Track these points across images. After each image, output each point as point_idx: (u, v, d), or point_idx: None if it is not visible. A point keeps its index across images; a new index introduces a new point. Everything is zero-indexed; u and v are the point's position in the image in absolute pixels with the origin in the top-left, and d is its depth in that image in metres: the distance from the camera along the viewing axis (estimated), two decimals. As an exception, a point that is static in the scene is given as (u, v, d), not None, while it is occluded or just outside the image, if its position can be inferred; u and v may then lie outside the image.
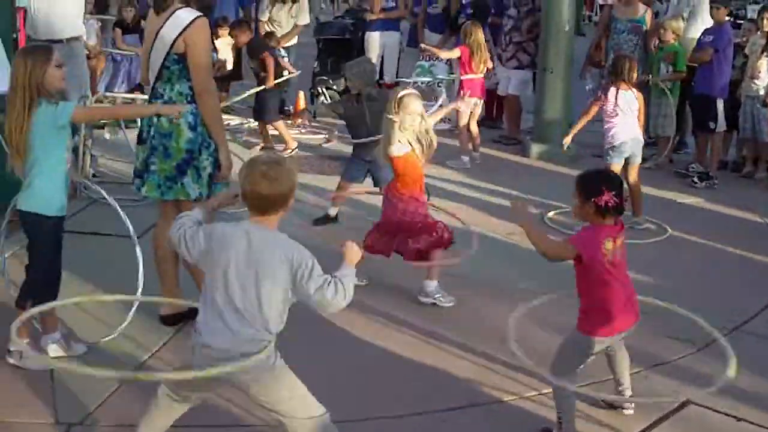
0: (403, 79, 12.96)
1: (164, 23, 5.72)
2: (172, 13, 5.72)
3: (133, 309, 5.89)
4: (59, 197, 5.39)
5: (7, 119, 5.27)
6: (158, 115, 5.61)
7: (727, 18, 11.30)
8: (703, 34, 11.11)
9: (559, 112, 11.89)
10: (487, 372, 5.70)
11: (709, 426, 5.04)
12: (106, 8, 14.23)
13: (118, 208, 5.91)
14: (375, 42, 13.76)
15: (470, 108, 11.24)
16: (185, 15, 5.72)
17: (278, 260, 3.94)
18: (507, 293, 6.79)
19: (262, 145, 11.51)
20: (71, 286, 5.91)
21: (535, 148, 11.93)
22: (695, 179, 10.71)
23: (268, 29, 13.01)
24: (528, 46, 12.53)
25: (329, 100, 13.94)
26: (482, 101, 11.72)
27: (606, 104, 8.57)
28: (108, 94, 10.07)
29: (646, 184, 9.27)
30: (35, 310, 5.01)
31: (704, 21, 11.52)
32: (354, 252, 4.16)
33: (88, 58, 13.35)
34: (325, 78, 13.69)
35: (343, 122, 8.84)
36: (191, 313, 5.21)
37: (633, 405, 5.22)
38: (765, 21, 10.90)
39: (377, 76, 11.24)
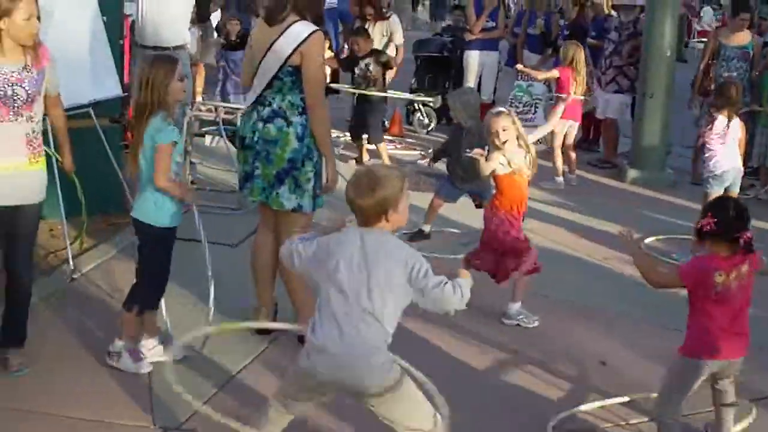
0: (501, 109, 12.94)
1: (280, 36, 5.73)
2: (289, 26, 5.74)
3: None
4: (168, 207, 5.42)
5: (135, 125, 5.43)
6: (181, 200, 5.54)
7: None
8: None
9: (658, 137, 11.75)
10: (582, 398, 5.61)
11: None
12: (207, 18, 14.44)
13: (196, 213, 6.02)
14: (474, 61, 13.74)
15: (565, 129, 11.18)
16: (302, 29, 5.74)
17: (392, 262, 3.95)
18: (602, 317, 6.73)
19: (356, 158, 11.54)
20: (170, 293, 5.98)
21: (632, 173, 11.80)
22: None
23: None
24: (628, 70, 12.40)
25: (425, 117, 14.00)
26: (578, 123, 11.62)
27: (712, 132, 8.42)
28: (209, 103, 10.20)
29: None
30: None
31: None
32: (466, 274, 4.15)
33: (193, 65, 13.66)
34: (422, 95, 13.73)
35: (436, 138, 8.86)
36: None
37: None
38: None
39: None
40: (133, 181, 5.59)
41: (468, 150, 7.67)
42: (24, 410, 4.91)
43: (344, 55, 13.41)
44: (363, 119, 11.45)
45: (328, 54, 13.64)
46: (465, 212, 8.63)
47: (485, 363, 6.00)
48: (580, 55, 11.20)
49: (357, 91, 11.36)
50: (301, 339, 5.82)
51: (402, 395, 4.09)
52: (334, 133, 13.03)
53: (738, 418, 5.10)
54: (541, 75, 12.08)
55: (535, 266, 6.73)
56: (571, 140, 11.41)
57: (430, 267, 3.99)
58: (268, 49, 5.75)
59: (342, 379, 4.02)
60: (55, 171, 6.67)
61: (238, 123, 8.96)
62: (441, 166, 9.02)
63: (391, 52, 12.17)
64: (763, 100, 11.12)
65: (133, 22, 9.46)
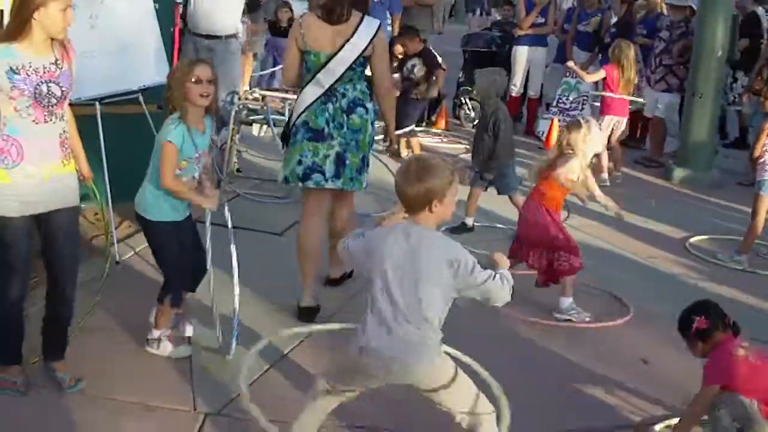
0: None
1: (354, 32, 6.13)
2: (359, 22, 6.16)
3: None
4: (168, 205, 5.39)
5: None
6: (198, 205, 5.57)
7: None
8: None
9: (706, 137, 11.66)
10: (624, 396, 5.60)
11: None
12: (258, 6, 14.48)
13: (226, 206, 5.93)
14: (522, 56, 13.70)
15: (611, 125, 11.13)
16: (369, 22, 6.22)
17: (436, 258, 3.94)
18: (645, 316, 6.70)
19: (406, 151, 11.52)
20: (216, 277, 6.02)
21: (678, 172, 11.71)
22: None
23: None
24: (678, 69, 12.30)
25: (471, 111, 13.98)
26: (625, 120, 11.53)
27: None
28: (258, 91, 10.23)
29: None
30: None
31: None
32: (503, 260, 4.16)
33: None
34: (469, 89, 13.72)
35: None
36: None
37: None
38: None
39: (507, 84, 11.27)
40: None
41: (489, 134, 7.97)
42: (68, 392, 4.96)
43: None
44: (400, 117, 11.42)
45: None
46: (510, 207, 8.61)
47: (528, 359, 6.00)
48: (630, 53, 11.11)
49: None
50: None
51: (455, 389, 4.10)
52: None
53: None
54: (589, 77, 11.96)
55: (580, 265, 6.74)
56: (616, 137, 11.34)
57: (476, 261, 3.98)
58: (342, 45, 6.12)
59: (393, 377, 4.05)
60: (103, 155, 6.74)
61: (287, 114, 9.04)
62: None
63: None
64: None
65: (184, 8, 9.50)
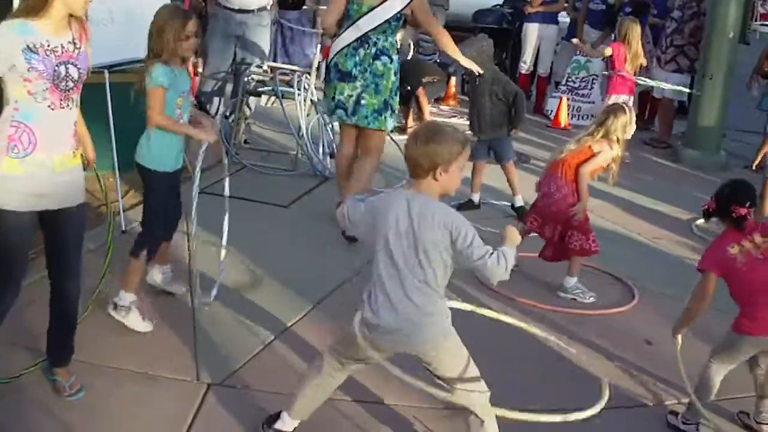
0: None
1: None
2: None
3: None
4: (167, 154, 5.52)
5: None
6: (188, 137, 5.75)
7: None
8: None
9: (715, 119, 11.61)
10: (627, 375, 5.59)
11: None
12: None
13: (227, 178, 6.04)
14: (533, 34, 13.65)
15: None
16: None
17: (437, 226, 3.91)
18: (649, 296, 6.70)
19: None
20: (220, 248, 6.03)
21: (686, 154, 11.68)
22: None
23: None
24: (689, 50, 12.22)
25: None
26: (631, 98, 11.47)
27: None
28: (272, 64, 10.21)
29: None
30: None
31: None
32: (514, 234, 4.09)
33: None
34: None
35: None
36: None
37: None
38: None
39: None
40: None
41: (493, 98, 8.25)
42: (74, 360, 4.95)
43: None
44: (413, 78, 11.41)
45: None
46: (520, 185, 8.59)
47: (528, 338, 5.99)
48: (635, 30, 11.00)
49: None
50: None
51: (455, 363, 4.10)
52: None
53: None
54: (595, 53, 11.91)
55: (594, 250, 6.73)
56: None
57: (477, 235, 3.95)
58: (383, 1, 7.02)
59: (397, 348, 4.05)
60: (111, 123, 6.73)
61: (295, 86, 9.04)
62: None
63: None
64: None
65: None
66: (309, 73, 9.48)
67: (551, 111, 13.09)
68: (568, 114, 13.04)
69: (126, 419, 4.52)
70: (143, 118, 5.62)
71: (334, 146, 9.48)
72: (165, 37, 5.32)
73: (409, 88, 11.06)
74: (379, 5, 6.98)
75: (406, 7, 7.05)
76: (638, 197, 9.62)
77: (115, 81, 6.88)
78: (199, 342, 5.38)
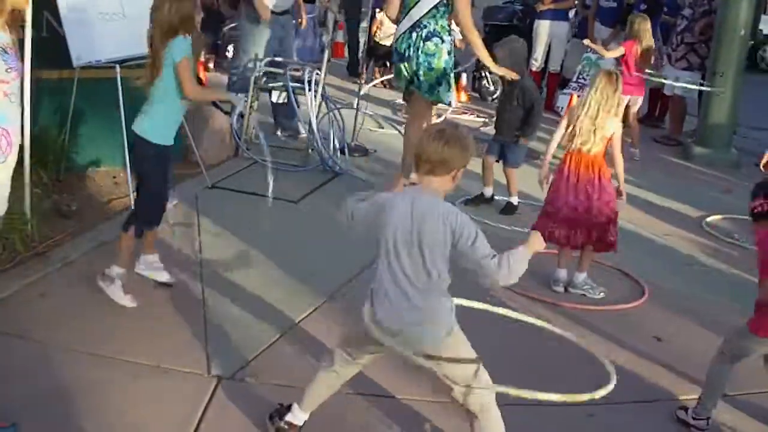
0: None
1: None
2: None
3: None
4: (171, 128, 5.64)
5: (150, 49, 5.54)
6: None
7: None
8: None
9: (726, 117, 11.61)
10: (637, 371, 5.58)
11: None
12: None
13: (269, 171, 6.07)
14: (544, 31, 13.64)
15: (624, 104, 11.05)
16: None
17: (440, 225, 3.90)
18: (659, 292, 6.70)
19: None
20: (231, 243, 6.05)
21: (697, 151, 11.67)
22: None
23: None
24: (699, 47, 12.21)
25: (491, 84, 13.95)
26: (641, 97, 11.46)
27: None
28: (277, 59, 10.21)
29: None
30: None
31: None
32: (538, 241, 4.03)
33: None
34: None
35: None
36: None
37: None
38: None
39: (528, 59, 11.23)
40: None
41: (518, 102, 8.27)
42: (85, 353, 5.00)
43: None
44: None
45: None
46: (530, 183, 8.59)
47: (536, 335, 5.99)
48: (645, 26, 10.99)
49: None
50: None
51: (462, 353, 4.10)
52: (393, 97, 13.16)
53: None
54: (608, 54, 11.86)
55: (614, 242, 6.70)
56: (632, 114, 11.29)
57: (482, 236, 3.91)
58: None
59: (403, 345, 4.05)
60: (122, 118, 6.76)
61: (305, 80, 9.05)
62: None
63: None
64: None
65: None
66: (320, 69, 9.49)
67: (562, 108, 13.06)
68: (579, 111, 12.98)
69: (137, 412, 4.53)
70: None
71: (345, 142, 9.50)
72: (187, 18, 5.46)
73: None
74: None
75: None
76: (649, 194, 9.62)
77: (127, 76, 6.90)
78: (210, 336, 5.40)
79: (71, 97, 7.40)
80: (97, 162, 7.80)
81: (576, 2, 14.01)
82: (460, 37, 10.97)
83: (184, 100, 5.56)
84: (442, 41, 7.94)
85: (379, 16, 14.38)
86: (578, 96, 12.45)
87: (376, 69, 14.85)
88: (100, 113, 7.50)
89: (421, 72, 7.96)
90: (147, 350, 5.12)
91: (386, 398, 4.90)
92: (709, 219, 8.74)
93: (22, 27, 4.48)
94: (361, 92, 10.92)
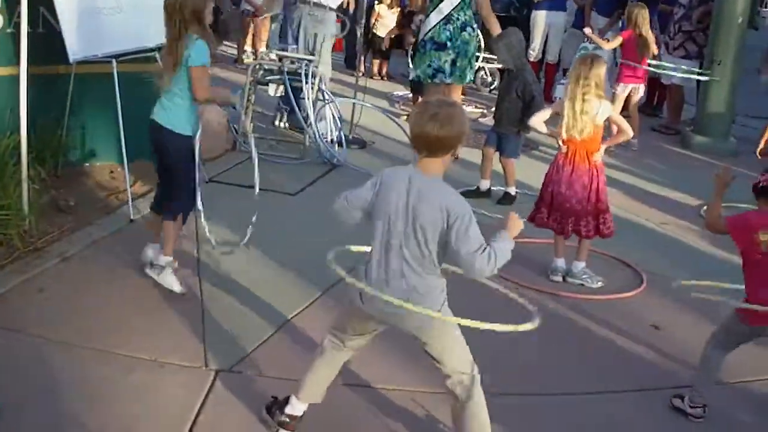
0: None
1: None
2: None
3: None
4: (193, 119, 5.75)
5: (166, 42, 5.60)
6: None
7: None
8: None
9: (724, 105, 11.60)
10: (634, 359, 5.61)
11: None
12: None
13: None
14: (541, 21, 13.63)
15: (626, 92, 11.08)
16: None
17: (436, 206, 3.87)
18: (657, 282, 6.70)
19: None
20: (228, 237, 6.06)
21: (696, 140, 11.67)
22: None
23: None
24: (697, 36, 12.19)
25: (488, 75, 13.95)
26: (642, 86, 11.44)
27: None
28: (276, 51, 10.21)
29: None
30: None
31: None
32: (516, 225, 4.06)
33: (255, 16, 13.70)
34: (487, 54, 13.65)
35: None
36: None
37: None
38: None
39: (525, 50, 11.25)
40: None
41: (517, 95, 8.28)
42: (83, 347, 5.01)
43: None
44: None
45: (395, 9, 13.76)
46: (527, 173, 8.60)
47: (542, 326, 6.00)
48: (644, 15, 10.96)
49: None
50: None
51: (451, 346, 4.11)
52: (399, 90, 13.16)
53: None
54: (608, 45, 11.78)
55: (611, 230, 6.71)
56: (633, 103, 11.29)
57: (476, 227, 3.87)
58: None
59: (390, 321, 4.05)
60: (119, 113, 6.76)
61: (302, 74, 9.03)
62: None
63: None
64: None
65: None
66: (317, 63, 9.49)
67: (559, 98, 13.03)
68: (577, 101, 12.96)
69: (135, 405, 4.54)
70: (151, 108, 5.66)
71: (342, 135, 9.50)
72: (205, 16, 5.54)
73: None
74: None
75: None
76: (647, 183, 9.63)
77: (123, 71, 6.90)
78: (208, 329, 5.40)
79: (68, 92, 7.40)
80: (94, 157, 7.80)
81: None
82: None
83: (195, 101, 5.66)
84: (473, 30, 9.48)
85: (377, 8, 14.40)
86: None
87: (374, 61, 14.84)
88: (97, 108, 7.50)
89: (458, 59, 9.27)
90: (145, 344, 5.13)
91: (378, 389, 4.90)
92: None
93: (18, 23, 4.40)
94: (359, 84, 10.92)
